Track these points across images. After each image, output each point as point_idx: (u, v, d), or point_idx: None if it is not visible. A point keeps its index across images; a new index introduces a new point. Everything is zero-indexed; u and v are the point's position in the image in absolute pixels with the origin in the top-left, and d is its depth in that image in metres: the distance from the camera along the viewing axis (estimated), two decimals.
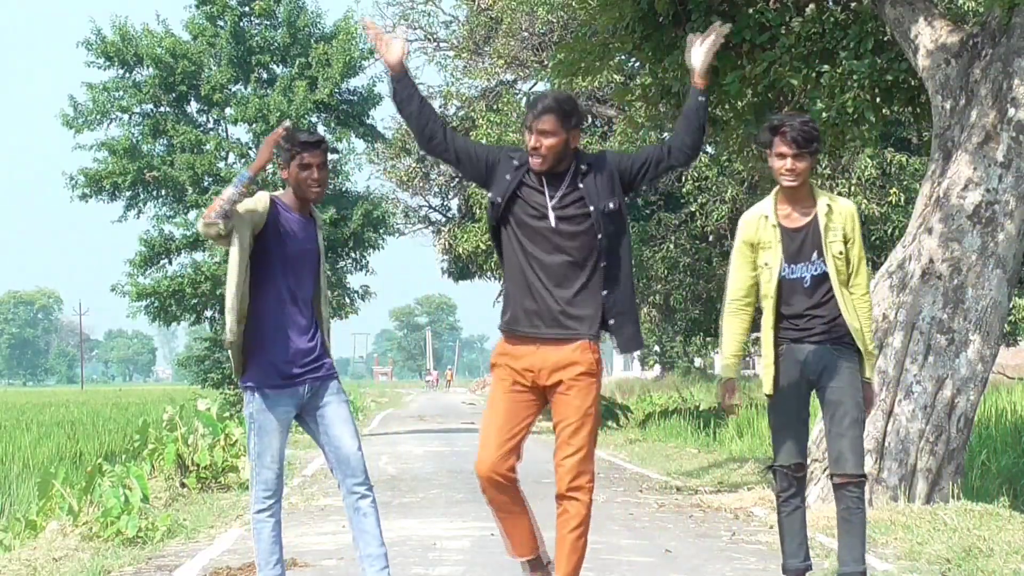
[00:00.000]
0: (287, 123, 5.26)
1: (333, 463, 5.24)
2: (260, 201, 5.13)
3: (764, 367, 5.57)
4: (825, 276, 5.49)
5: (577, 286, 4.94)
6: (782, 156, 5.40)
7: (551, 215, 4.95)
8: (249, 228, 5.07)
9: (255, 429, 5.20)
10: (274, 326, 5.17)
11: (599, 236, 4.93)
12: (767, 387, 5.56)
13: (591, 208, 4.93)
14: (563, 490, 4.99)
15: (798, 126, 5.38)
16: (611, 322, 4.97)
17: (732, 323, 5.63)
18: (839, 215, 5.51)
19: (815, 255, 5.49)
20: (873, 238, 21.14)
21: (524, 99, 26.60)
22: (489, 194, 5.06)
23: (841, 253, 5.49)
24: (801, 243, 5.50)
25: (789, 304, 5.52)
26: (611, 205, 4.96)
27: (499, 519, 5.16)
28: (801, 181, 5.45)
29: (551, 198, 4.97)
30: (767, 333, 5.54)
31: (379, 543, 5.20)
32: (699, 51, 5.12)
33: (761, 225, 5.55)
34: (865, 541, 5.53)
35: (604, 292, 4.96)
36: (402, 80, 5.08)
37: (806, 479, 5.68)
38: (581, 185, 4.97)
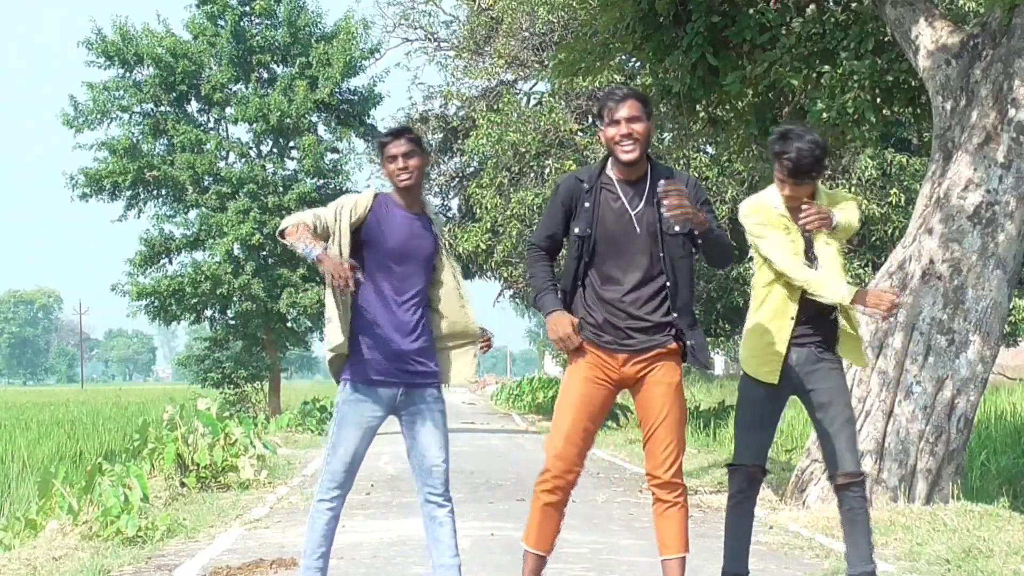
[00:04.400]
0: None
1: (415, 469, 5.21)
2: (363, 201, 5.11)
3: (773, 353, 5.38)
4: None
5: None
6: (782, 182, 5.32)
7: (636, 227, 4.99)
8: (347, 227, 5.03)
9: (338, 419, 5.16)
10: (374, 324, 5.08)
11: (660, 254, 5.00)
12: (774, 376, 5.39)
13: (660, 226, 4.99)
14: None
15: (794, 157, 5.23)
16: None
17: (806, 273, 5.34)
18: (833, 205, 5.38)
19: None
20: (873, 238, 21.15)
21: (524, 100, 26.60)
22: (576, 229, 5.03)
23: (827, 243, 5.35)
24: (805, 243, 5.39)
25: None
26: (676, 228, 4.98)
27: (540, 510, 5.15)
28: (803, 200, 5.33)
29: (632, 207, 5.01)
30: (787, 322, 5.37)
31: (452, 553, 5.16)
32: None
33: (772, 214, 5.39)
34: (872, 540, 5.46)
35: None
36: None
37: (760, 485, 5.60)
38: (656, 201, 4.96)
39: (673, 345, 5.03)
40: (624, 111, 4.94)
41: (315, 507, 5.21)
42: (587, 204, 5.00)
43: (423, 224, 5.17)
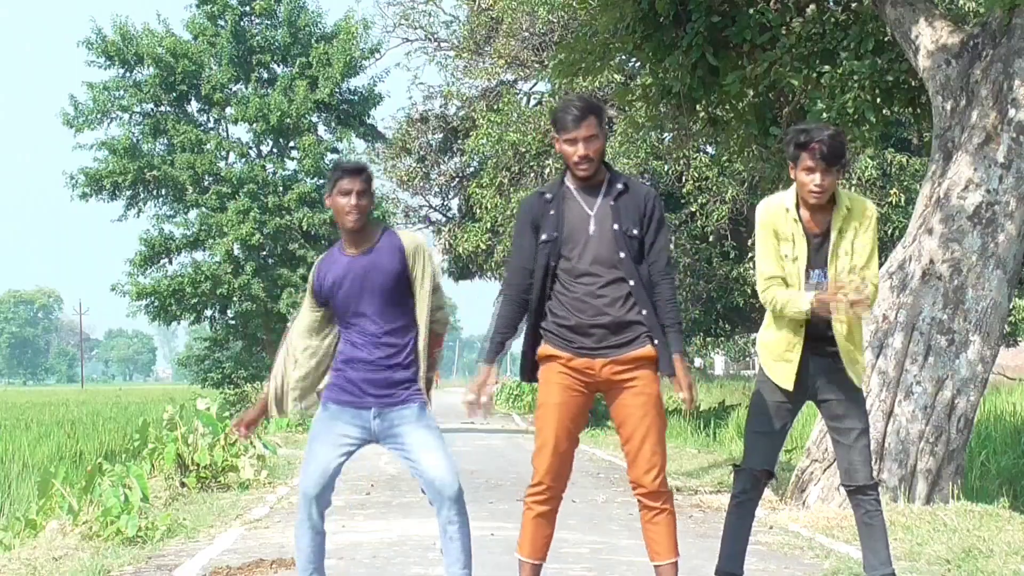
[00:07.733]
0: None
1: (425, 488, 5.18)
2: (312, 276, 5.24)
3: (785, 361, 5.35)
4: None
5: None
6: (810, 171, 5.20)
7: (591, 226, 5.02)
8: (316, 297, 5.23)
9: (311, 435, 5.21)
10: (344, 359, 5.17)
11: (620, 254, 5.00)
12: (788, 382, 5.35)
13: (615, 227, 5.01)
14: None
15: (827, 140, 5.18)
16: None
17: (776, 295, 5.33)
18: (856, 214, 5.31)
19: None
20: None
21: (524, 100, 26.60)
22: (543, 236, 5.06)
23: (847, 253, 5.30)
24: (820, 247, 5.32)
25: None
26: (635, 231, 5.02)
27: (533, 521, 5.17)
28: (827, 199, 5.26)
29: (591, 208, 5.05)
30: (796, 330, 5.33)
31: (462, 566, 5.15)
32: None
33: (781, 215, 5.32)
34: (888, 542, 5.45)
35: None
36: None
37: (764, 488, 5.58)
38: (613, 203, 5.04)
39: (649, 349, 5.00)
40: (581, 130, 4.98)
41: (296, 524, 5.21)
42: (552, 212, 5.06)
43: (372, 258, 5.13)
